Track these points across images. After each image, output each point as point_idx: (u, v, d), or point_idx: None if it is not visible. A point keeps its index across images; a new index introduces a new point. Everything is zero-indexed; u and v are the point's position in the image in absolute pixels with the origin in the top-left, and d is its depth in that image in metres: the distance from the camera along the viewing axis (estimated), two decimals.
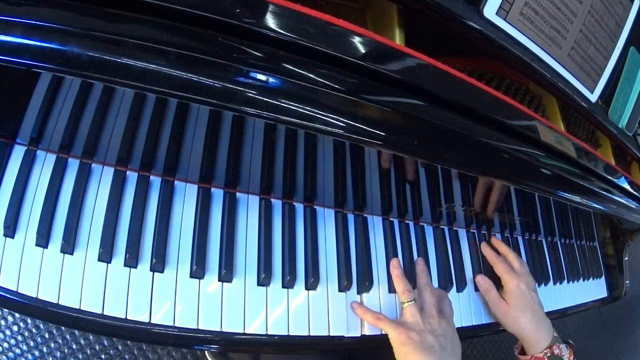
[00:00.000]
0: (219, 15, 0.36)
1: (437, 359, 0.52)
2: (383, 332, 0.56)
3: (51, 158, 0.48)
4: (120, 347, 1.06)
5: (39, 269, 0.44)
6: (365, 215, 0.63)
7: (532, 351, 0.65)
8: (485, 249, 0.74)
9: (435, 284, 0.66)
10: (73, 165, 0.49)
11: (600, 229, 1.05)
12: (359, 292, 0.59)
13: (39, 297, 0.43)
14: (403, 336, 0.53)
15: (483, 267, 0.73)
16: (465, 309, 0.69)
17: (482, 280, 0.70)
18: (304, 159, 0.53)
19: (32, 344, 1.00)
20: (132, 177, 0.51)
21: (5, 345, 0.98)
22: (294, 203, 0.58)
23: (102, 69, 0.34)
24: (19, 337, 0.99)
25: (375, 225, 0.64)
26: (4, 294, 0.42)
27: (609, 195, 0.69)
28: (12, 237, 0.44)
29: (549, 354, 0.64)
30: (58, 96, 0.41)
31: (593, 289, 0.99)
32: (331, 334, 0.54)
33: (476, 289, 0.71)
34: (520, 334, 0.66)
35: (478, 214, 0.72)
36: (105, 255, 0.46)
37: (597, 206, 0.67)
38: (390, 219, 0.66)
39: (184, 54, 0.35)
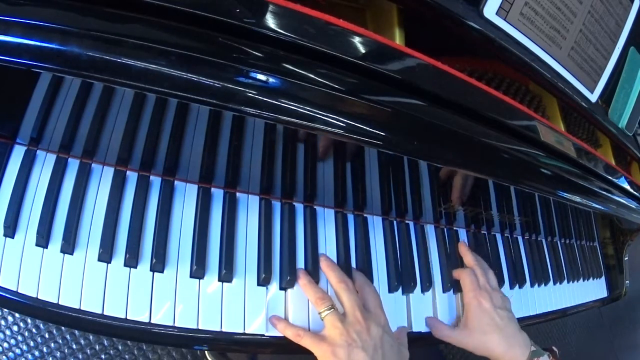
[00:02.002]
0: (219, 15, 0.36)
1: None
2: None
3: (51, 158, 0.48)
4: (120, 347, 1.06)
5: (39, 269, 0.44)
6: (365, 215, 0.63)
7: None
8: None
9: (437, 284, 0.66)
10: (73, 165, 0.49)
11: (600, 229, 1.05)
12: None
13: (39, 297, 0.43)
14: (328, 354, 0.48)
15: None
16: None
17: (431, 322, 0.63)
18: (304, 159, 0.53)
19: (32, 344, 1.00)
20: (132, 177, 0.51)
21: (5, 345, 0.98)
22: (294, 203, 0.58)
23: (102, 69, 0.34)
24: (19, 337, 0.99)
25: (375, 225, 0.64)
26: (4, 294, 0.42)
27: (609, 195, 0.69)
28: (12, 237, 0.44)
29: None
30: (58, 96, 0.41)
31: (593, 289, 0.99)
32: None
33: None
34: (491, 357, 0.61)
35: (478, 214, 0.72)
36: (105, 255, 0.46)
37: (597, 206, 0.67)
38: (390, 219, 0.66)
39: (184, 54, 0.35)
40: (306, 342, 0.50)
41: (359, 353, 0.48)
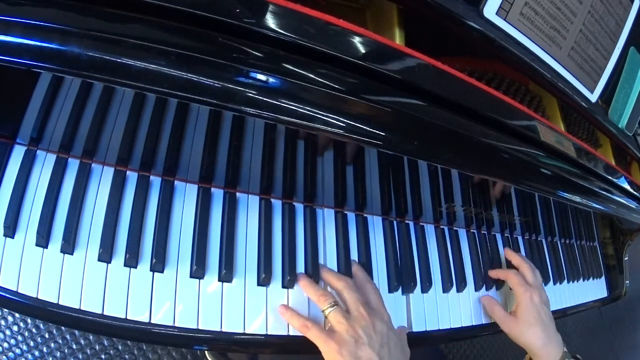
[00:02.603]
0: (219, 15, 0.36)
1: None
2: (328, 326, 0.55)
3: (51, 158, 0.48)
4: (120, 347, 1.06)
5: (39, 269, 0.44)
6: (365, 215, 0.63)
7: None
8: (495, 272, 0.72)
9: (436, 284, 0.66)
10: (73, 165, 0.49)
11: (600, 229, 1.05)
12: None
13: (39, 297, 0.43)
14: (333, 352, 0.47)
15: (483, 267, 0.73)
16: (465, 309, 0.69)
17: (486, 300, 0.69)
18: (304, 159, 0.53)
19: (32, 344, 1.00)
20: (132, 177, 0.51)
21: (5, 345, 0.98)
22: (294, 203, 0.58)
23: (102, 69, 0.34)
24: (19, 337, 0.99)
25: (375, 225, 0.64)
26: (4, 294, 0.42)
27: (609, 195, 0.69)
28: (12, 237, 0.44)
29: None
30: (58, 96, 0.41)
31: (593, 289, 0.99)
32: None
33: (476, 289, 0.71)
34: (530, 348, 0.65)
35: (478, 214, 0.72)
36: (105, 255, 0.46)
37: (597, 206, 0.67)
38: (390, 219, 0.66)
39: (184, 54, 0.35)
40: (312, 334, 0.49)
41: (365, 349, 0.47)
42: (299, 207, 0.59)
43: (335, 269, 0.58)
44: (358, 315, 0.50)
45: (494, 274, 0.72)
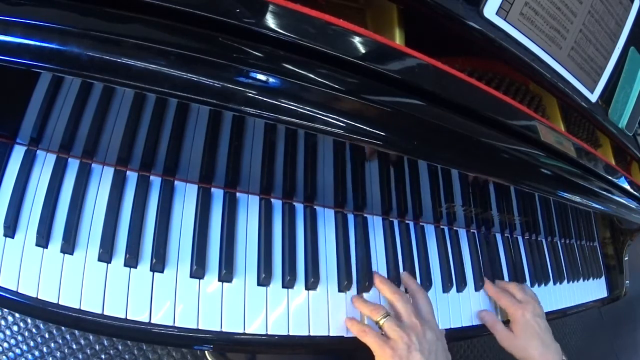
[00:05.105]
0: (219, 15, 0.36)
1: None
2: (382, 333, 0.56)
3: (51, 158, 0.48)
4: (120, 347, 1.06)
5: (39, 269, 0.44)
6: (365, 215, 0.63)
7: None
8: (487, 286, 0.72)
9: (436, 284, 0.66)
10: (73, 165, 0.49)
11: (600, 229, 1.05)
12: (358, 292, 0.59)
13: (39, 297, 0.43)
14: (387, 356, 0.51)
15: (483, 267, 0.73)
16: (465, 309, 0.69)
17: (487, 316, 0.69)
18: (304, 159, 0.53)
19: (32, 344, 1.00)
20: (132, 177, 0.51)
21: (5, 345, 0.98)
22: (294, 203, 0.59)
23: (102, 69, 0.34)
24: (19, 337, 0.99)
25: (375, 225, 0.64)
26: (4, 294, 0.42)
27: (609, 195, 0.69)
28: (12, 237, 0.44)
29: None
30: (58, 96, 0.41)
31: (593, 289, 0.99)
32: (331, 334, 0.54)
33: (476, 289, 0.71)
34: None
35: (478, 214, 0.72)
36: (105, 255, 0.46)
37: (597, 206, 0.67)
38: (390, 219, 0.66)
39: (184, 54, 0.35)
40: (369, 339, 0.52)
41: (416, 355, 0.51)
42: (299, 207, 0.59)
43: (335, 269, 0.58)
44: (410, 323, 0.54)
45: (487, 288, 0.72)
